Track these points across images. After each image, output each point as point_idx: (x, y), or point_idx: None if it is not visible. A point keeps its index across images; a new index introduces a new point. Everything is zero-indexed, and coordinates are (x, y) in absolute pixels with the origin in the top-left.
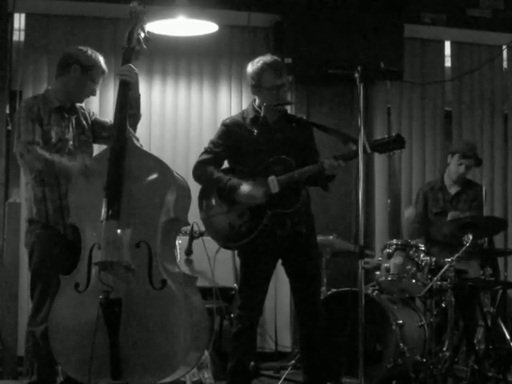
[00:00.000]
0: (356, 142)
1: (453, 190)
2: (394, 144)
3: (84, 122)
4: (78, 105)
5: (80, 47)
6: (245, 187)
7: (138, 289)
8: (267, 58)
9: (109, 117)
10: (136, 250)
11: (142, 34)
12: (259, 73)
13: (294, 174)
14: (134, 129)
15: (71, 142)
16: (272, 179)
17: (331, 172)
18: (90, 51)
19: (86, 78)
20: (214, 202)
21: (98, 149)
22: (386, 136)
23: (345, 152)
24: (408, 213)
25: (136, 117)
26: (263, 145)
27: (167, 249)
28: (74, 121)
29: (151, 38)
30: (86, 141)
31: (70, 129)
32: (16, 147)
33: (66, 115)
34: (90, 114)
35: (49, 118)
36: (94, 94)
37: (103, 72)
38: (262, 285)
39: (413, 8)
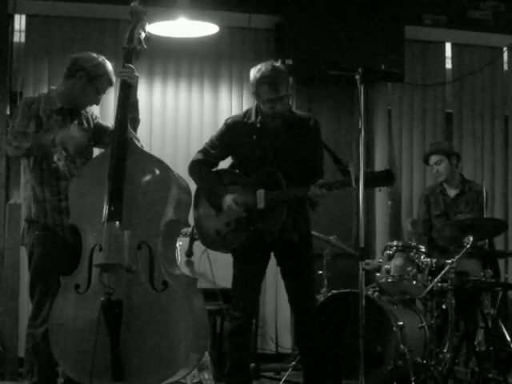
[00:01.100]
0: (345, 173)
1: (452, 193)
2: (382, 180)
3: (86, 125)
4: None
5: (92, 54)
6: (227, 199)
7: (139, 290)
8: (267, 68)
9: (109, 119)
10: (137, 251)
11: (143, 34)
12: (256, 85)
13: (282, 194)
14: (134, 132)
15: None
16: (260, 193)
17: (314, 198)
18: (100, 60)
19: (90, 87)
20: (206, 203)
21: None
22: (376, 171)
23: (330, 181)
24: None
25: (135, 121)
26: (260, 152)
27: (168, 250)
28: (76, 123)
29: (152, 38)
30: (87, 144)
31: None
32: (6, 138)
33: (69, 117)
34: (92, 117)
35: (49, 118)
36: (97, 103)
37: (110, 83)
38: (254, 285)
39: (413, 10)
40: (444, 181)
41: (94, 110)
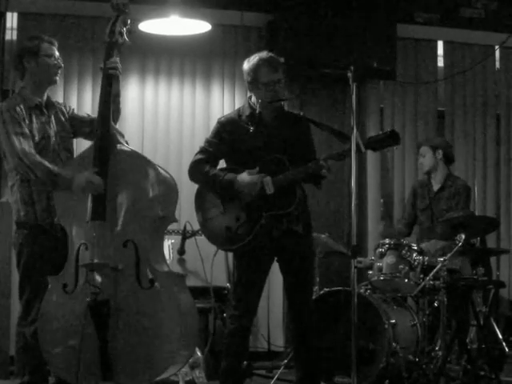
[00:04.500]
0: (348, 141)
1: (435, 187)
2: (388, 141)
3: (63, 118)
4: (55, 100)
5: (20, 41)
6: (242, 176)
7: (126, 289)
8: (263, 53)
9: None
10: (123, 249)
11: (124, 27)
12: (255, 68)
13: (289, 175)
14: (115, 123)
15: (54, 139)
16: (267, 180)
17: (326, 173)
18: (27, 36)
19: (41, 59)
20: (210, 203)
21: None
22: (381, 132)
23: (338, 151)
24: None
25: (117, 113)
26: (259, 142)
27: (155, 247)
28: (53, 117)
29: (143, 34)
30: (67, 136)
31: (51, 125)
32: (9, 151)
33: (46, 112)
34: (67, 109)
35: (30, 116)
36: (59, 65)
37: (50, 42)
38: (257, 285)
39: (406, 8)
40: (427, 173)
41: (87, 106)
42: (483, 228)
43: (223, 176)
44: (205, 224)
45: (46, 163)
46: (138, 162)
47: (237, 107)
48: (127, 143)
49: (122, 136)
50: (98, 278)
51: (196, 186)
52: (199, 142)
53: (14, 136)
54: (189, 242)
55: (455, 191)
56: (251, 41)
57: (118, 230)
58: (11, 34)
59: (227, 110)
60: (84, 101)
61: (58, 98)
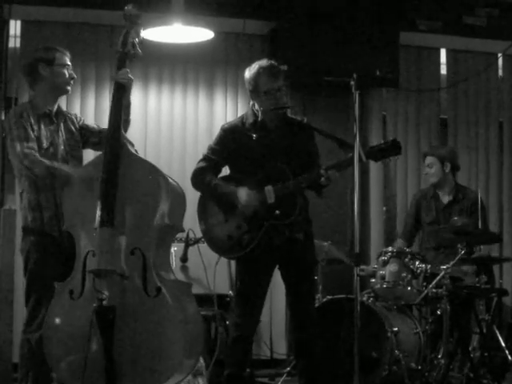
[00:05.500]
0: (353, 149)
1: (445, 199)
2: (390, 151)
3: (72, 127)
4: (65, 109)
5: (32, 49)
6: (241, 193)
7: (133, 296)
8: (263, 62)
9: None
10: (130, 257)
11: (137, 38)
12: (256, 77)
13: (290, 184)
14: (125, 133)
15: (62, 147)
16: (268, 189)
17: (326, 182)
18: (42, 46)
19: (56, 67)
20: (212, 211)
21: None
22: (382, 142)
23: (338, 161)
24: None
25: (127, 123)
26: (262, 150)
27: (162, 255)
28: (62, 126)
29: (146, 43)
30: (76, 145)
31: (60, 134)
32: (12, 156)
33: (55, 120)
34: (77, 119)
35: (38, 123)
36: (73, 75)
37: (63, 52)
38: (259, 293)
39: (408, 15)
40: (434, 185)
41: (90, 113)
42: (485, 241)
43: (223, 188)
44: (207, 232)
45: (45, 160)
46: (148, 170)
47: (240, 114)
48: (137, 152)
49: (132, 145)
50: (105, 285)
51: (199, 194)
52: (202, 149)
53: (17, 141)
54: (191, 250)
55: (468, 204)
56: (254, 49)
57: (125, 238)
58: (14, 42)
59: (230, 118)
60: (87, 108)
61: (61, 105)
